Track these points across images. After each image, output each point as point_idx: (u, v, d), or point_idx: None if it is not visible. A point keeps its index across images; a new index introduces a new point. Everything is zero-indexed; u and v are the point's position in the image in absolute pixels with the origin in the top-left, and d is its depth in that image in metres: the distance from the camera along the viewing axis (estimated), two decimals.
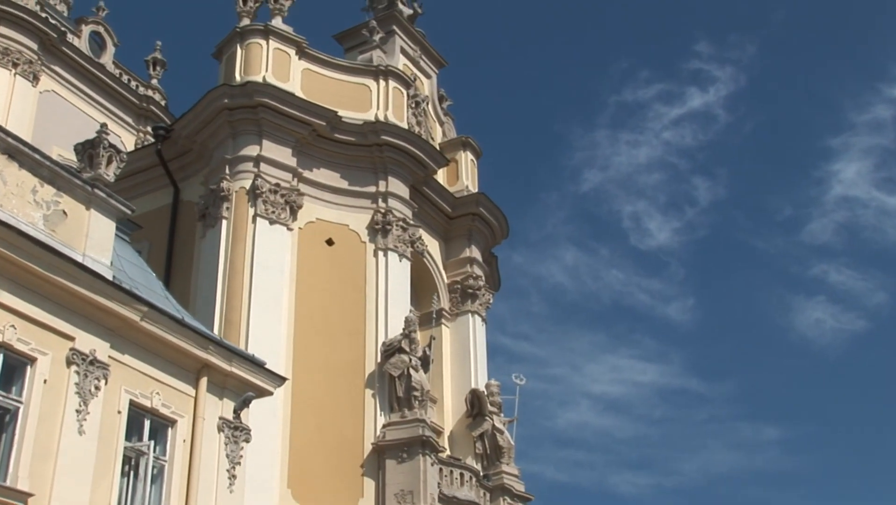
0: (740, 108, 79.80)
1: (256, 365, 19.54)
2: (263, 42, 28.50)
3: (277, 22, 29.15)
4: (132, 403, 17.08)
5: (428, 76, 33.67)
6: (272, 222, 26.15)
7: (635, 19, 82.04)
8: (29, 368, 15.59)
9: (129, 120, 37.62)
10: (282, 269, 25.85)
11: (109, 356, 16.69)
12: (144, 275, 19.56)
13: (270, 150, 26.97)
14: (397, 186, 28.50)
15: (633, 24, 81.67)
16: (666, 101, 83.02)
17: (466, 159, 32.82)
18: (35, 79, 33.61)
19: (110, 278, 17.03)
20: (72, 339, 16.18)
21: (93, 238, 17.12)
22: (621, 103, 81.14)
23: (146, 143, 35.38)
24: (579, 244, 79.01)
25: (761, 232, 77.60)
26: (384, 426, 24.93)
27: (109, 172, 18.16)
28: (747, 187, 79.50)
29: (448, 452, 27.65)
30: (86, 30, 37.76)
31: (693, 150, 79.72)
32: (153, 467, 17.45)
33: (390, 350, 25.69)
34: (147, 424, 17.41)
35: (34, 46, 33.71)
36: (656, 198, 79.07)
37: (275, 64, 28.26)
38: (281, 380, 20.43)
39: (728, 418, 73.03)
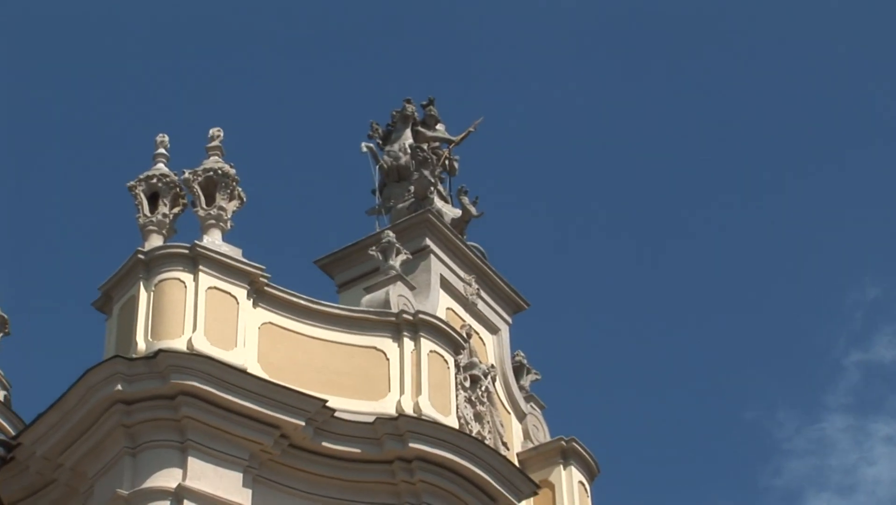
0: None
1: None
2: (188, 277, 28.11)
3: (214, 239, 28.72)
4: None
5: (493, 330, 33.48)
6: None
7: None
8: None
9: None
10: None
11: None
12: None
13: (203, 475, 26.37)
14: None
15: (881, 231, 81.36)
16: None
17: (571, 482, 32.22)
18: None
19: None
20: None
21: None
22: (869, 365, 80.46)
23: None
24: None
25: None
26: None
27: None
28: None
29: None
30: None
31: None
32: None
33: None
34: None
35: None
36: None
37: (210, 316, 27.81)
38: None
39: None
